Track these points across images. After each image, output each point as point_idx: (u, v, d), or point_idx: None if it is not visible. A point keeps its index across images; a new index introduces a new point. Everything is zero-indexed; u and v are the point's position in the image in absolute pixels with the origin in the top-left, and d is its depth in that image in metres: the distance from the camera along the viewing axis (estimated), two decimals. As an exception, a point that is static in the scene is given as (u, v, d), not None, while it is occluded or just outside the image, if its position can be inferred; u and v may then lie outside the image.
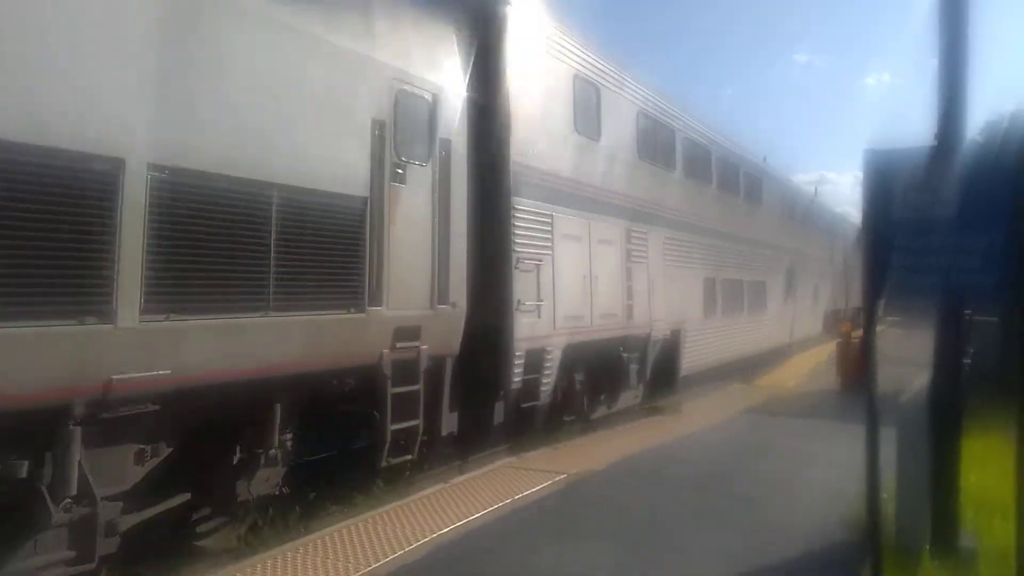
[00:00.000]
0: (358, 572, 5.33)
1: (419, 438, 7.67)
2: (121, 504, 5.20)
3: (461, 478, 7.96)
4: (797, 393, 15.63)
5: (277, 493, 6.56)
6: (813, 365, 20.49)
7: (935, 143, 5.09)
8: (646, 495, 7.59)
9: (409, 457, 7.63)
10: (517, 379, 9.00)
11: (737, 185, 18.42)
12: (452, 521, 6.47)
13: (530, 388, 9.43)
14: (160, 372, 5.04)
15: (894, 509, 5.70)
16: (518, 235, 9.05)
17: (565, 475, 8.08)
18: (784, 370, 19.66)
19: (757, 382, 17.15)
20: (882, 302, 4.43)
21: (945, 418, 5.49)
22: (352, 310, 6.70)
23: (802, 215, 26.88)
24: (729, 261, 17.22)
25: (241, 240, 5.63)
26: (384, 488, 7.40)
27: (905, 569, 5.04)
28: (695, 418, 12.21)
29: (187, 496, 5.94)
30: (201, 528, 6.31)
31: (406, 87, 7.41)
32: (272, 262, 5.84)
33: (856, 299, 33.28)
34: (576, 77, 10.52)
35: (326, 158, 6.45)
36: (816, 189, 34.22)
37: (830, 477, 7.83)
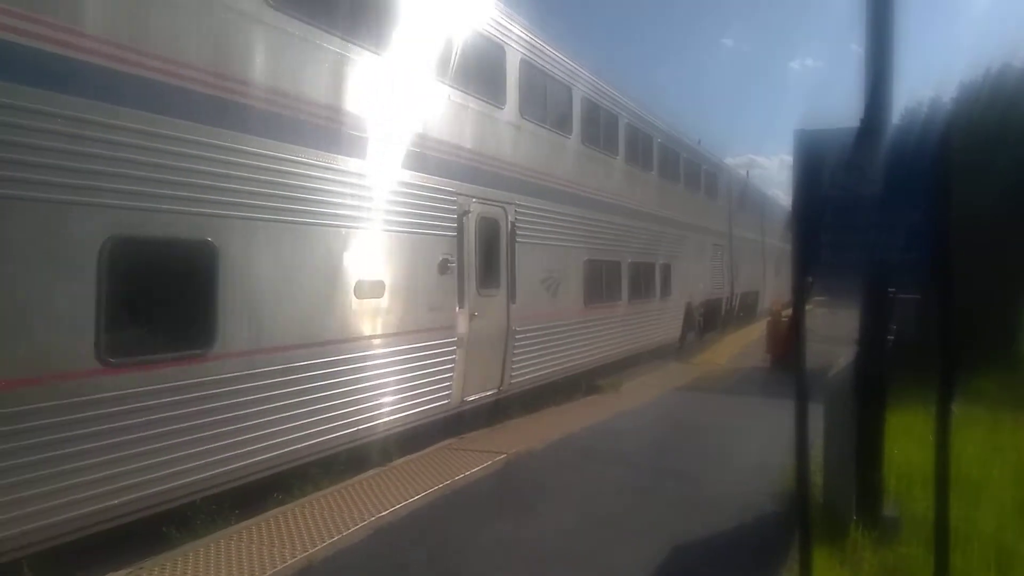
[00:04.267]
0: (294, 558, 5.25)
1: None
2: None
3: (400, 460, 7.90)
4: (729, 370, 16.02)
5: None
6: (745, 343, 21.02)
7: (862, 124, 5.22)
8: (583, 472, 7.68)
9: None
10: None
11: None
12: (391, 504, 6.42)
13: None
14: None
15: (822, 481, 5.91)
16: None
17: (504, 455, 8.10)
18: (717, 349, 20.12)
19: (691, 360, 17.52)
20: (810, 280, 4.53)
21: (870, 393, 5.69)
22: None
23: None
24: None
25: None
26: (320, 473, 7.28)
27: (832, 538, 5.22)
28: (632, 396, 12.40)
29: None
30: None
31: None
32: None
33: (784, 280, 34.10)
34: None
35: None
36: (748, 172, 34.57)
37: (760, 451, 8.05)
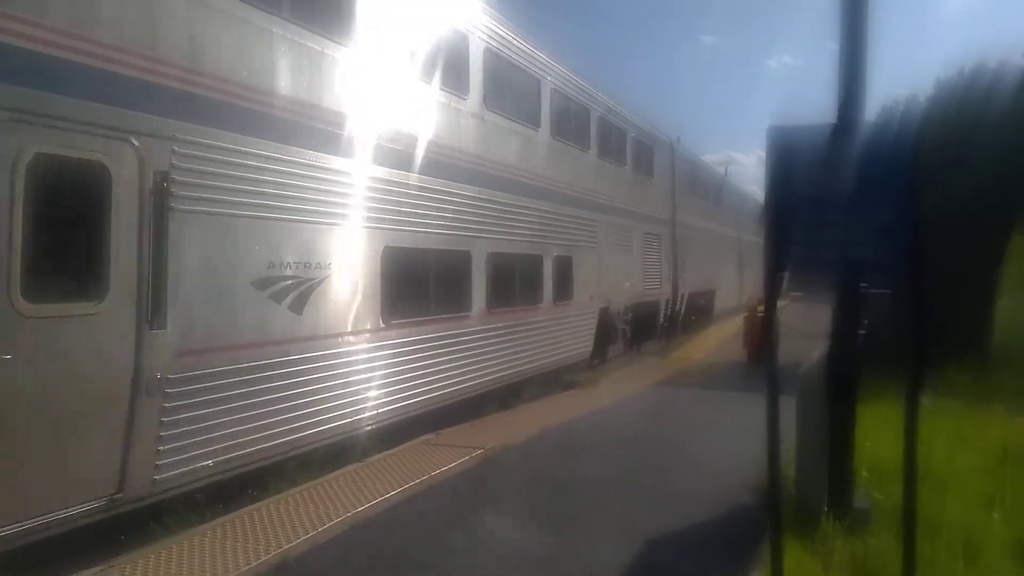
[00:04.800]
0: (269, 554, 5.22)
1: None
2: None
3: (378, 456, 7.89)
4: (705, 365, 16.14)
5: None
6: (721, 339, 21.17)
7: (836, 122, 5.27)
8: (560, 467, 7.71)
9: None
10: None
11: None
12: (368, 499, 6.41)
13: None
14: None
15: (794, 473, 5.98)
16: None
17: (482, 450, 8.11)
18: (694, 344, 20.25)
19: (668, 355, 17.62)
20: (784, 276, 4.57)
21: (841, 386, 5.77)
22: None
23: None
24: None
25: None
26: (297, 469, 7.25)
27: (804, 529, 5.28)
28: (610, 391, 12.46)
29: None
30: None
31: None
32: None
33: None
34: None
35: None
36: (726, 169, 34.09)
37: (734, 445, 8.12)
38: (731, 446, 8.23)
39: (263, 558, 5.16)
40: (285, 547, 5.36)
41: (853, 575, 4.80)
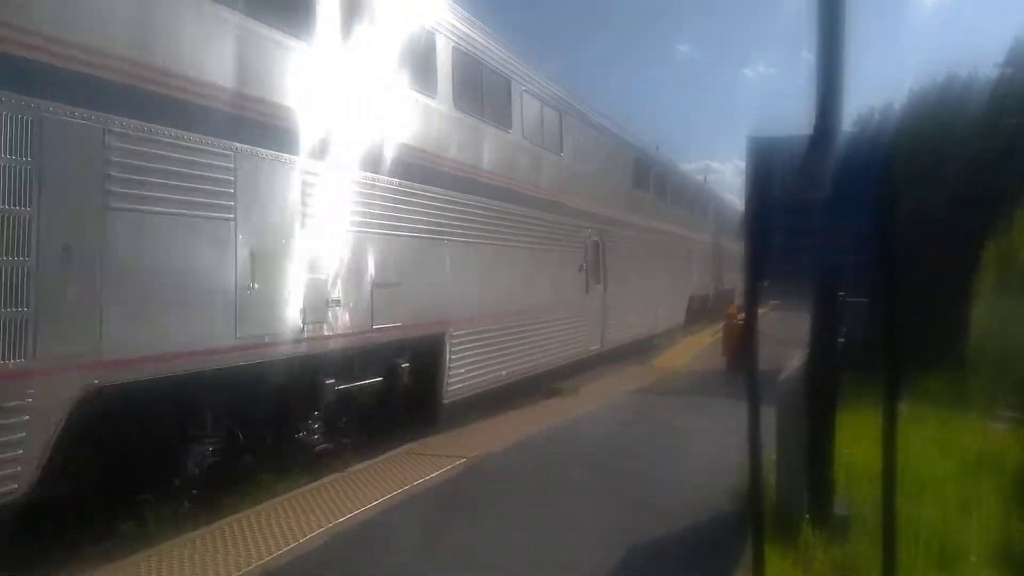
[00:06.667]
0: (250, 566, 5.17)
1: None
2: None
3: (360, 465, 7.85)
4: (686, 373, 16.20)
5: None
6: (701, 347, 21.27)
7: (813, 132, 5.34)
8: (542, 474, 7.72)
9: None
10: None
11: None
12: (349, 510, 6.37)
13: None
14: None
15: (775, 481, 6.02)
16: None
17: (464, 459, 8.09)
18: (674, 352, 20.33)
19: (649, 363, 17.67)
20: (763, 284, 4.62)
21: (820, 394, 5.82)
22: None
23: None
24: None
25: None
26: (278, 478, 7.20)
27: (785, 537, 5.31)
28: (591, 398, 12.47)
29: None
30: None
31: None
32: None
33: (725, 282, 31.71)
34: None
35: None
36: (705, 178, 33.88)
37: (715, 452, 8.15)
38: (712, 453, 8.27)
39: (244, 569, 5.11)
40: (267, 558, 5.31)
41: (833, 581, 4.84)
